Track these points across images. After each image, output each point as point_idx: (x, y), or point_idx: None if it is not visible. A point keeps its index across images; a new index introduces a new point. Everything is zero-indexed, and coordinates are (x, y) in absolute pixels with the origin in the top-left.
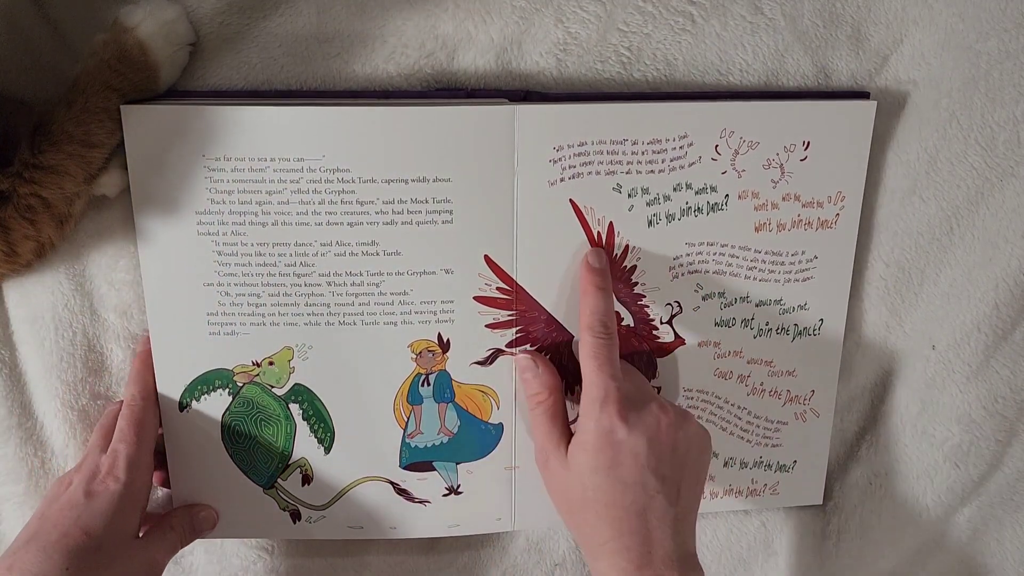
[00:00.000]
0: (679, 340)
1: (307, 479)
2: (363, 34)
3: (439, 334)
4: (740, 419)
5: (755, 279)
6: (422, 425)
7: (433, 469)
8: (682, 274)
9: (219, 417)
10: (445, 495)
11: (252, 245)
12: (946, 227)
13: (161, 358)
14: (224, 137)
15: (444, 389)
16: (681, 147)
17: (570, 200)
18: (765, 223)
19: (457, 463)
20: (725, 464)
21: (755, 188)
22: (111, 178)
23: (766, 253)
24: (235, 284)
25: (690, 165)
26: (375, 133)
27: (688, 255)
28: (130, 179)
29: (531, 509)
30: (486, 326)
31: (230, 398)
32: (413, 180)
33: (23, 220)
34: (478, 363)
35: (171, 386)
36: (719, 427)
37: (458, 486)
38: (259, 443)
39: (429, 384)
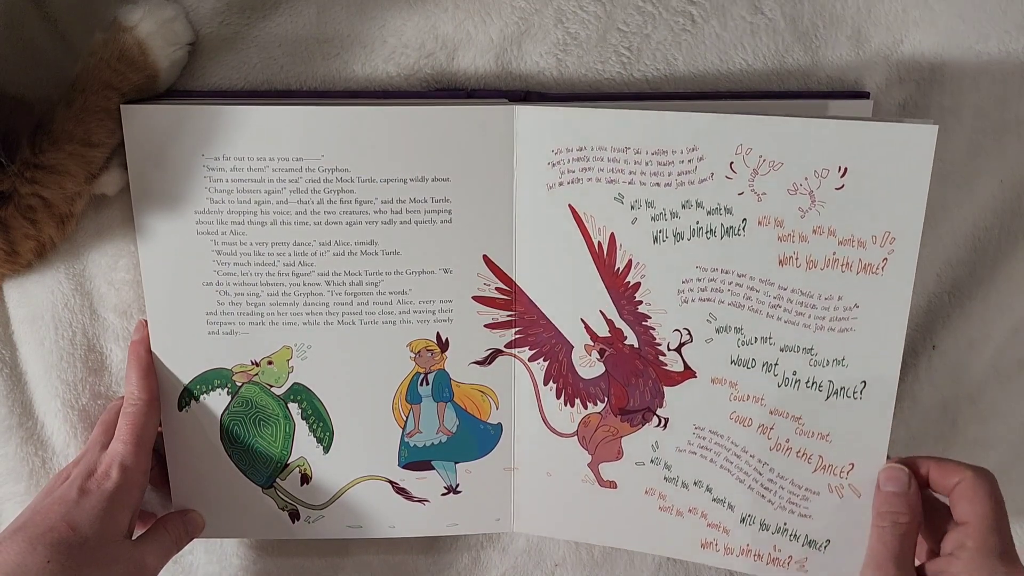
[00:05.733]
0: (689, 372)
1: (306, 479)
2: (363, 34)
3: (438, 333)
4: (761, 474)
5: (779, 319)
6: (421, 424)
7: (432, 468)
8: (692, 300)
9: (218, 417)
10: (444, 494)
11: (251, 244)
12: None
13: (160, 357)
14: (223, 137)
15: (443, 388)
16: (690, 160)
17: (569, 206)
18: (791, 257)
19: (456, 463)
20: (742, 520)
21: (779, 215)
22: (111, 177)
23: (792, 291)
24: (234, 283)
25: (700, 181)
26: (374, 133)
27: (699, 280)
28: (130, 178)
29: (530, 512)
30: (485, 326)
31: (229, 398)
32: (412, 180)
33: (24, 220)
34: (477, 363)
35: (170, 385)
36: (735, 477)
37: (457, 485)
38: (258, 443)
39: (428, 383)
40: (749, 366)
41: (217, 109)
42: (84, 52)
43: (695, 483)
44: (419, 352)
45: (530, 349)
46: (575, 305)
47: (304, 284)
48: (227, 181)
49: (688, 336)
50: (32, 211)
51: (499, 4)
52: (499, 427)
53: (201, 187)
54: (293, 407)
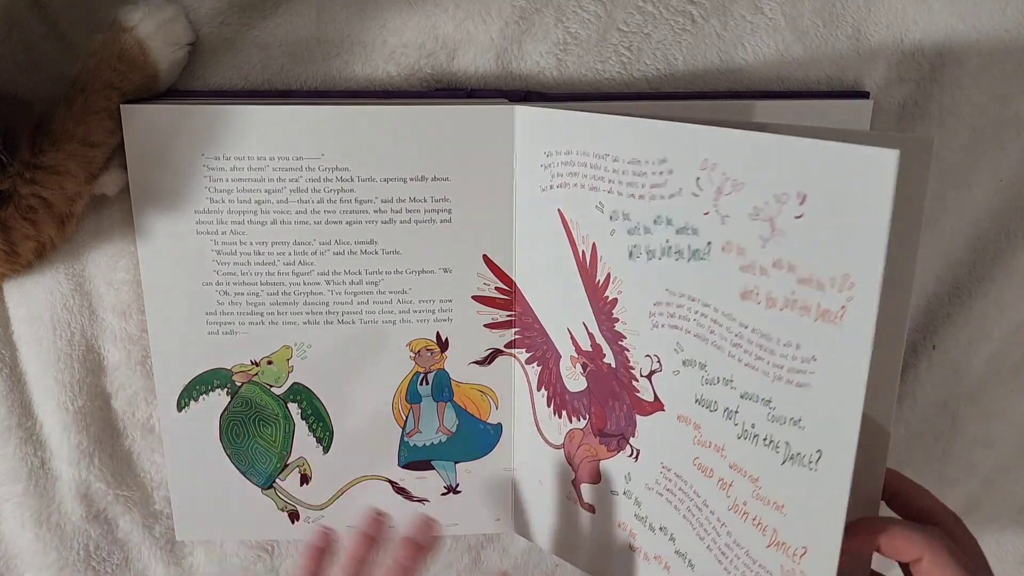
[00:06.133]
0: (658, 403)
1: (306, 479)
2: (363, 34)
3: (438, 333)
4: (719, 536)
5: (740, 360)
6: (421, 424)
7: (432, 468)
8: (662, 325)
9: (217, 417)
10: (444, 494)
11: (251, 244)
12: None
13: (160, 358)
14: (223, 136)
15: (443, 388)
16: (660, 173)
17: (558, 211)
18: (752, 291)
19: (456, 462)
20: None
21: (741, 242)
22: (111, 177)
23: (752, 331)
24: (234, 283)
25: (670, 196)
26: (374, 132)
27: (668, 304)
28: (130, 178)
29: (530, 514)
30: (485, 326)
31: (229, 398)
32: (412, 179)
33: (24, 220)
34: (477, 363)
35: (169, 386)
36: (696, 533)
37: (456, 485)
38: (258, 443)
39: (428, 383)
40: (712, 409)
41: (217, 109)
42: (84, 52)
43: (660, 528)
44: (419, 352)
45: (526, 351)
46: (562, 314)
47: (304, 283)
48: (227, 181)
49: (659, 365)
50: (32, 211)
51: (499, 4)
52: (499, 427)
53: (201, 187)
54: (293, 407)
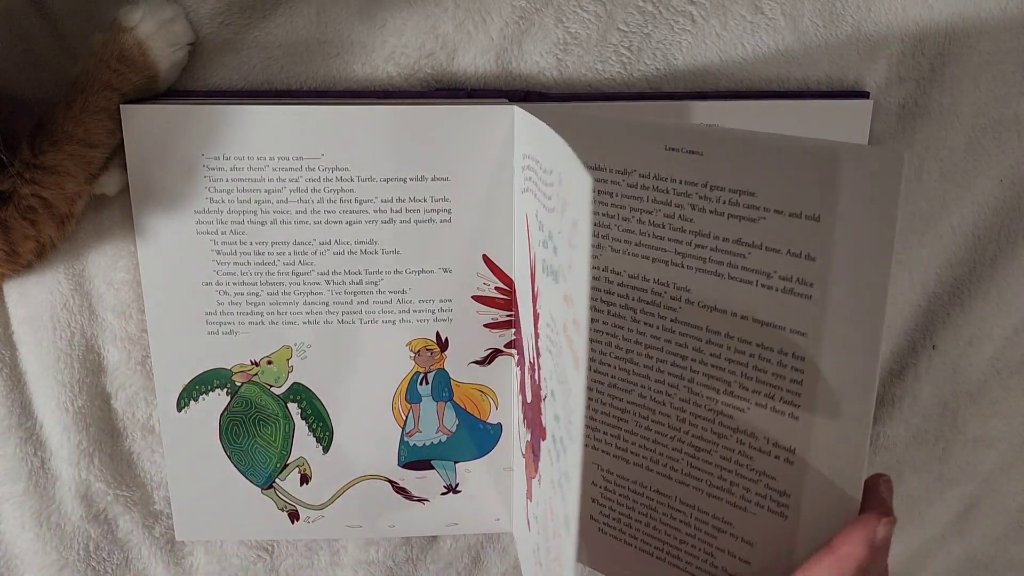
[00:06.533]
0: (543, 431)
1: (305, 479)
2: (363, 34)
3: (437, 333)
4: None
5: (554, 402)
6: (420, 424)
7: (431, 468)
8: (548, 349)
9: (217, 417)
10: (444, 494)
11: (251, 244)
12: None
13: (160, 358)
14: (223, 136)
15: (442, 388)
16: (552, 184)
17: (525, 215)
18: (565, 325)
19: (455, 462)
20: None
21: (564, 270)
22: (111, 177)
23: (559, 380)
24: (234, 283)
25: (552, 211)
26: (374, 132)
27: (550, 327)
28: (129, 179)
29: (518, 517)
30: (484, 325)
31: (228, 398)
32: (412, 179)
33: (24, 220)
34: (477, 362)
35: (169, 386)
36: None
37: (456, 485)
38: (257, 443)
39: (428, 383)
40: (552, 446)
41: (217, 109)
42: (84, 52)
43: (542, 564)
44: (419, 351)
45: (518, 353)
46: (526, 322)
47: (304, 283)
48: (227, 181)
49: (547, 390)
50: (32, 212)
51: (499, 4)
52: (499, 427)
53: (201, 187)
54: (293, 407)
